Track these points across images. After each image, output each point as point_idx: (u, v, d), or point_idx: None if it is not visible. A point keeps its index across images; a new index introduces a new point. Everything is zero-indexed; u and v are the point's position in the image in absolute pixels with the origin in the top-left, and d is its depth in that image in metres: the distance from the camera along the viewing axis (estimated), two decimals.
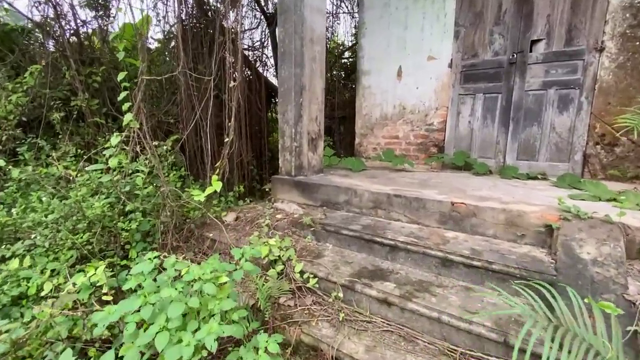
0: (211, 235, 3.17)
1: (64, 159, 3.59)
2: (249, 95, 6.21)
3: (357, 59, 5.03)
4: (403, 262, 2.35)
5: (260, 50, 7.24)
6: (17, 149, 3.27)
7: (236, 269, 1.87)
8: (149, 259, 1.78)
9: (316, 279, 2.28)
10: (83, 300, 1.89)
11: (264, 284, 2.14)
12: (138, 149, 3.35)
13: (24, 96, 3.52)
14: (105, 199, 2.66)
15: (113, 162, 2.60)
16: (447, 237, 2.45)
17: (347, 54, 8.64)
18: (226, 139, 2.99)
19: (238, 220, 3.47)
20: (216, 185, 2.35)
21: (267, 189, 4.38)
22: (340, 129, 7.50)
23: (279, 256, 2.48)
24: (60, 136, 3.85)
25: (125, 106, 2.56)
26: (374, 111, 4.91)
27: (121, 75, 2.52)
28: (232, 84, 3.46)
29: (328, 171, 4.09)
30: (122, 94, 2.54)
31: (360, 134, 5.11)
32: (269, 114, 7.57)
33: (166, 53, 5.15)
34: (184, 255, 2.83)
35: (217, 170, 3.00)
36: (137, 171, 3.11)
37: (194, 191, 2.41)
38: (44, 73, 3.76)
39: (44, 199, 2.69)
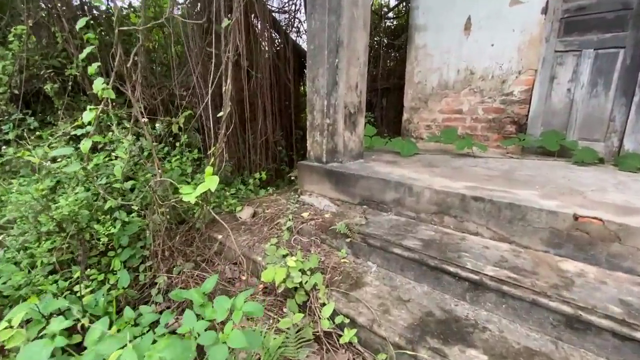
0: (220, 237, 2.50)
1: (60, 139, 3.07)
2: (277, 65, 5.37)
3: (409, 12, 3.95)
4: (493, 310, 1.49)
5: (292, 13, 6.28)
6: (2, 128, 2.76)
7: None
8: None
9: (355, 328, 1.50)
10: None
11: (273, 337, 1.40)
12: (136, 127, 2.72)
13: (11, 64, 2.99)
14: (79, 193, 2.05)
15: (85, 147, 1.95)
16: (567, 272, 1.53)
17: (391, 15, 7.39)
18: (220, 113, 2.21)
19: (255, 218, 2.77)
20: (210, 183, 1.61)
21: (293, 177, 3.63)
22: (383, 103, 6.45)
23: (300, 283, 1.72)
24: (60, 112, 3.33)
25: (92, 69, 1.87)
26: (429, 78, 3.86)
27: (81, 22, 1.80)
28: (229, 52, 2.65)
29: (369, 156, 3.22)
30: (86, 50, 1.84)
31: (410, 107, 4.11)
32: (301, 87, 6.72)
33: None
34: (180, 267, 2.18)
35: (212, 159, 2.25)
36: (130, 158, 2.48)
37: (184, 188, 1.70)
38: (36, 38, 3.21)
39: (14, 189, 2.15)
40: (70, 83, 3.25)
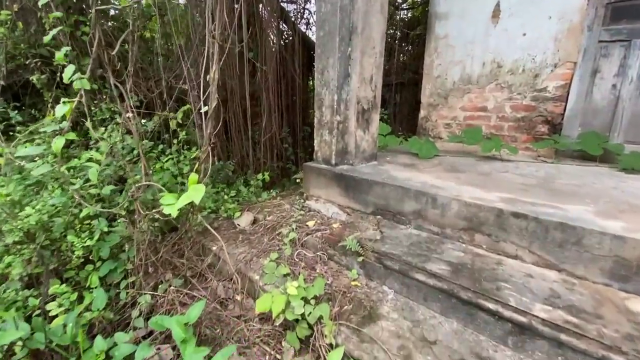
0: (215, 247, 2.23)
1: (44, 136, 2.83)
2: (285, 58, 5.06)
3: None
4: None
5: (302, 4, 5.95)
6: None
7: None
8: None
9: None
10: None
11: None
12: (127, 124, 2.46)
13: None
14: (52, 199, 1.79)
15: (57, 146, 1.68)
16: (639, 315, 1.20)
17: (405, 5, 6.99)
18: (204, 108, 1.91)
19: (255, 225, 2.49)
20: (194, 193, 1.33)
21: (298, 179, 3.33)
22: (396, 98, 6.09)
23: (302, 314, 1.43)
24: (49, 105, 3.09)
25: (59, 57, 1.60)
26: (450, 72, 3.50)
27: None
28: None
29: (383, 157, 2.90)
30: (51, 34, 1.57)
31: (427, 104, 3.76)
32: (310, 81, 6.40)
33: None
34: (167, 284, 1.91)
35: (197, 164, 1.94)
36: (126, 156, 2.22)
37: (165, 197, 1.42)
38: (24, 24, 2.96)
39: None
40: (59, 74, 3.00)
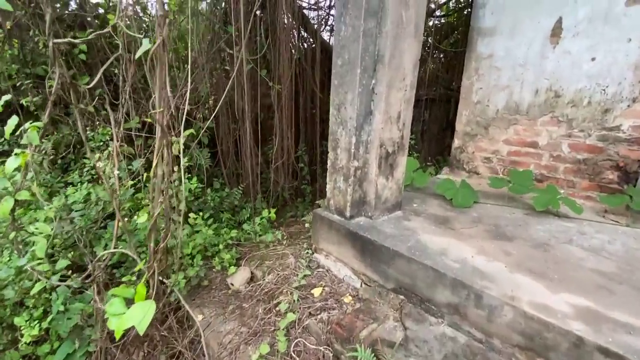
0: (200, 317, 1.86)
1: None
2: (304, 67, 4.66)
3: (472, 10, 3.06)
4: None
5: (326, 10, 5.54)
6: None
7: None
8: None
9: None
10: None
11: None
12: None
13: None
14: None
15: (4, 209, 1.37)
16: None
17: (439, 12, 6.42)
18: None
19: (252, 285, 2.10)
20: (140, 315, 0.95)
21: (306, 223, 2.93)
22: (425, 115, 5.54)
23: None
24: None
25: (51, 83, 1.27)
26: (494, 98, 2.97)
27: None
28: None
29: (410, 201, 2.43)
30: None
31: (464, 133, 3.24)
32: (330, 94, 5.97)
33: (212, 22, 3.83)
34: None
35: (149, 271, 1.50)
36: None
37: (112, 304, 1.05)
38: (19, 42, 2.73)
39: None
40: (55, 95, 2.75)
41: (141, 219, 2.12)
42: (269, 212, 2.92)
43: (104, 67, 1.73)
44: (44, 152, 2.71)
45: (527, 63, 2.72)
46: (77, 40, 1.35)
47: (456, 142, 3.33)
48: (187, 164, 3.00)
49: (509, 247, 1.77)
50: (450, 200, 2.43)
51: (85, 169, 2.64)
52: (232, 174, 4.26)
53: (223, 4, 3.74)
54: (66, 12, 2.86)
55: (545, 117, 2.69)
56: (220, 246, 2.36)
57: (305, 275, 2.05)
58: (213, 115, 3.13)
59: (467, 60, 3.12)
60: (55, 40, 1.33)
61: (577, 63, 2.48)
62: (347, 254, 2.00)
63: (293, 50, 4.57)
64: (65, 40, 1.34)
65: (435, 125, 5.26)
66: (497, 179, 2.55)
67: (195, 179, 2.94)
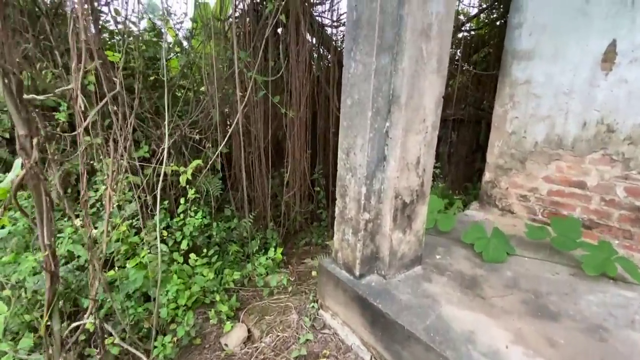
0: None
1: None
2: (323, 87, 4.48)
3: (507, 31, 2.73)
4: None
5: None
6: None
7: None
8: None
9: None
10: None
11: None
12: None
13: None
14: None
15: None
16: None
17: (471, 25, 6.05)
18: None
19: (248, 347, 1.88)
20: None
21: (313, 272, 2.68)
22: (452, 136, 5.16)
23: None
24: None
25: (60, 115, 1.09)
26: (532, 129, 2.61)
27: None
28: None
29: (431, 252, 2.13)
30: None
31: (496, 166, 2.88)
32: None
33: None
34: None
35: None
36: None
37: None
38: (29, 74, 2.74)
39: None
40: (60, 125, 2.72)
41: (132, 268, 1.97)
42: (276, 251, 2.70)
43: (100, 105, 1.62)
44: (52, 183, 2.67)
45: (573, 91, 2.36)
46: (41, 97, 1.21)
47: (487, 176, 2.97)
48: (193, 196, 2.86)
49: (554, 331, 1.43)
50: (479, 254, 2.10)
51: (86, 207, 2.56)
52: (244, 200, 4.12)
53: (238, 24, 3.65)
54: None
55: (596, 154, 2.30)
56: (218, 297, 2.16)
57: (307, 340, 1.80)
58: (224, 142, 2.98)
59: (500, 85, 2.79)
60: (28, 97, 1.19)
61: (636, 94, 2.09)
62: (356, 321, 1.73)
63: (314, 68, 4.40)
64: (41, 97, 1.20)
65: (463, 148, 4.86)
66: (536, 228, 2.19)
67: (200, 213, 2.79)
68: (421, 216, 1.86)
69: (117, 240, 2.11)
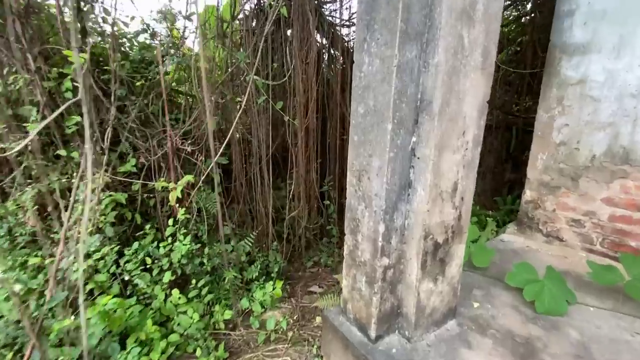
0: None
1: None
2: (333, 90, 4.09)
3: (554, 21, 2.26)
4: None
5: None
6: None
7: None
8: None
9: None
10: None
11: None
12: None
13: None
14: None
15: None
16: None
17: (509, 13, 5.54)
18: None
19: None
20: None
21: (320, 309, 2.26)
22: (494, 144, 4.63)
23: None
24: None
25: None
26: (588, 139, 2.13)
27: None
28: None
29: (467, 296, 1.67)
30: None
31: (539, 182, 2.40)
32: None
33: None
34: None
35: None
36: None
37: None
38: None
39: None
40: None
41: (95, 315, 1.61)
42: (275, 285, 2.30)
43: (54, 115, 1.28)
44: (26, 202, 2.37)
45: None
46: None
47: (528, 194, 2.48)
48: (183, 217, 2.50)
49: None
50: (530, 301, 1.63)
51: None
52: (246, 215, 3.74)
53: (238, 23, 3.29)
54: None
55: None
56: (199, 351, 1.77)
57: None
58: (218, 154, 2.63)
59: (544, 86, 2.31)
60: None
61: None
62: None
63: (323, 69, 4.01)
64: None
65: (491, 157, 4.34)
66: (602, 270, 1.70)
67: (189, 238, 2.42)
68: (457, 258, 1.42)
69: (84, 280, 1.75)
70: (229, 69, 2.95)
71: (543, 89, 2.32)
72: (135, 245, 2.23)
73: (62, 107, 1.67)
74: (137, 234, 2.93)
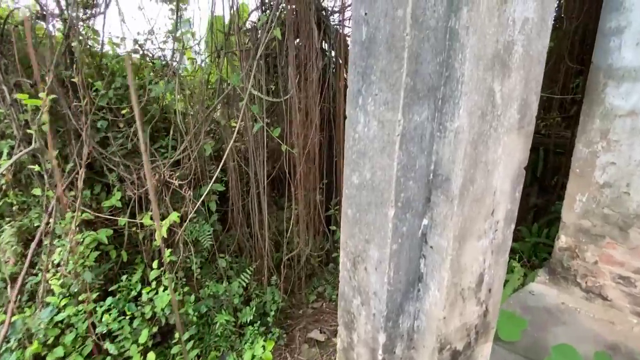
0: None
1: None
2: (342, 108, 3.79)
3: (597, 39, 1.90)
4: None
5: None
6: None
7: None
8: None
9: None
10: None
11: None
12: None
13: None
14: None
15: None
16: None
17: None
18: None
19: None
20: None
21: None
22: (542, 167, 4.22)
23: None
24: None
25: None
26: (637, 181, 1.76)
27: None
28: None
29: None
30: None
31: (577, 228, 2.03)
32: None
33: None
34: None
35: None
36: None
37: None
38: None
39: None
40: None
41: None
42: (265, 348, 2.02)
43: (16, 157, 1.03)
44: None
45: None
46: None
47: (563, 240, 2.12)
48: (168, 259, 2.26)
49: None
50: None
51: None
52: (245, 242, 3.48)
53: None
54: None
55: None
56: None
57: None
58: (212, 181, 2.40)
59: (585, 116, 1.95)
60: None
61: None
62: None
63: (330, 80, 3.73)
64: None
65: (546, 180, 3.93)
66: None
67: (170, 287, 2.17)
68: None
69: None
70: (224, 91, 2.71)
71: (583, 119, 1.96)
72: (109, 300, 1.99)
73: (15, 157, 1.45)
74: (125, 270, 2.72)
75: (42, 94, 1.64)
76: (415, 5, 0.71)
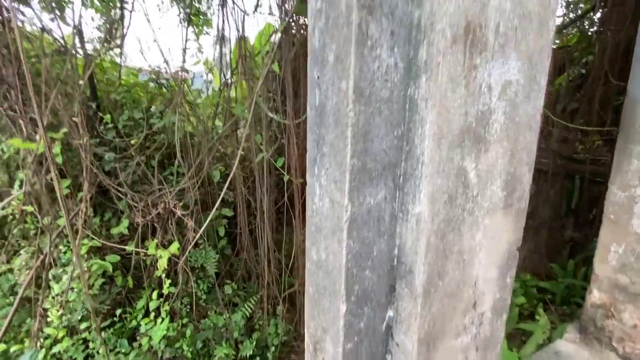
0: None
1: None
2: None
3: (633, 67, 1.66)
4: None
5: None
6: None
7: None
8: None
9: None
10: None
11: None
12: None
13: None
14: None
15: None
16: None
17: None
18: None
19: None
20: None
21: None
22: (550, 193, 3.85)
23: None
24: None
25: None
26: None
27: None
28: None
29: None
30: None
31: (613, 284, 1.75)
32: None
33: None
34: None
35: None
36: None
37: None
38: None
39: None
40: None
41: None
42: None
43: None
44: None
45: None
46: None
47: (596, 296, 1.83)
48: (167, 291, 2.25)
49: None
50: None
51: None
52: (253, 267, 3.42)
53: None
54: None
55: None
56: None
57: None
58: (216, 207, 2.36)
59: (620, 154, 1.69)
60: None
61: None
62: None
63: None
64: None
65: (547, 209, 3.57)
66: None
67: (166, 321, 2.14)
68: None
69: None
70: (228, 122, 2.70)
71: (617, 158, 1.70)
72: (104, 335, 1.99)
73: (8, 199, 1.48)
74: (132, 295, 2.75)
75: (26, 144, 1.70)
76: (358, 77, 0.60)
